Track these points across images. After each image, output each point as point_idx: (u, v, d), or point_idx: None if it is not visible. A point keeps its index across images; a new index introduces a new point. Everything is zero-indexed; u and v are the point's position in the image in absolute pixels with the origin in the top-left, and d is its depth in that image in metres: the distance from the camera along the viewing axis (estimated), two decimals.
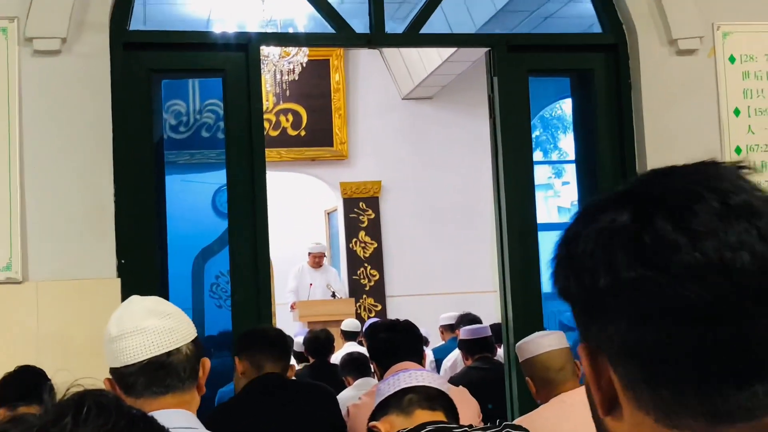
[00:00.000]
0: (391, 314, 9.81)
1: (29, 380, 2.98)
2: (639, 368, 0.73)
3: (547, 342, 2.95)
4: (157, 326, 1.92)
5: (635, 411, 0.75)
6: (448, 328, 7.34)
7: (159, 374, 1.91)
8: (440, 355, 6.84)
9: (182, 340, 1.94)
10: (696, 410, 0.72)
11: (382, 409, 2.31)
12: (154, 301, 1.99)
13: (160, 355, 1.91)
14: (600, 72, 4.31)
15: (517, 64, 4.24)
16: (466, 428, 2.19)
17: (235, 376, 3.33)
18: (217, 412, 3.36)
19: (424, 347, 4.14)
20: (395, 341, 3.41)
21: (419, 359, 3.39)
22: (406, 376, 2.31)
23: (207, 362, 2.01)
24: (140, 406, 1.59)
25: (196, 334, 1.99)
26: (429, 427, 2.18)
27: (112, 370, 1.94)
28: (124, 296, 3.44)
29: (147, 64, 3.90)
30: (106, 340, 1.95)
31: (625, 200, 0.76)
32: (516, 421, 2.76)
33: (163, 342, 1.91)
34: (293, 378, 3.51)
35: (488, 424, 2.28)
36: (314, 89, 10.27)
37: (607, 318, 0.74)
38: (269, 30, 7.20)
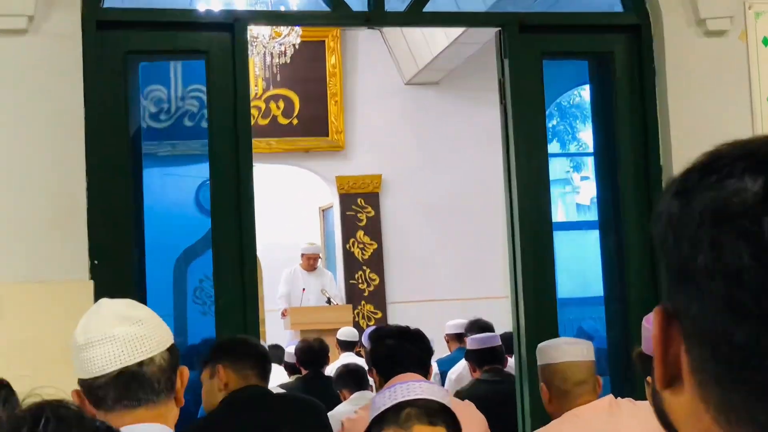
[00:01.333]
0: (393, 322, 9.81)
1: None
2: (716, 362, 0.72)
3: (572, 351, 2.96)
4: (128, 333, 1.92)
5: (696, 399, 0.74)
6: (455, 338, 7.33)
7: (131, 386, 1.91)
8: (445, 366, 6.85)
9: (156, 349, 1.94)
10: (763, 423, 0.70)
11: (377, 425, 2.31)
12: (125, 305, 1.99)
13: (131, 366, 1.91)
14: (621, 55, 4.31)
15: (530, 46, 4.24)
16: None
17: (208, 388, 3.31)
18: (195, 427, 3.36)
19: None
20: (403, 349, 3.42)
21: (425, 373, 3.40)
22: (404, 388, 2.32)
23: (185, 371, 2.02)
24: (112, 421, 1.59)
25: (172, 341, 1.99)
26: None
27: (81, 382, 1.95)
28: (98, 299, 3.44)
29: (123, 46, 3.90)
30: (73, 348, 1.95)
31: (757, 166, 0.72)
32: None
33: (135, 351, 1.92)
34: (281, 391, 3.51)
35: None
36: (308, 74, 10.27)
37: (697, 296, 0.72)
38: (258, 8, 7.20)
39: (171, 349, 1.98)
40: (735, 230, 0.70)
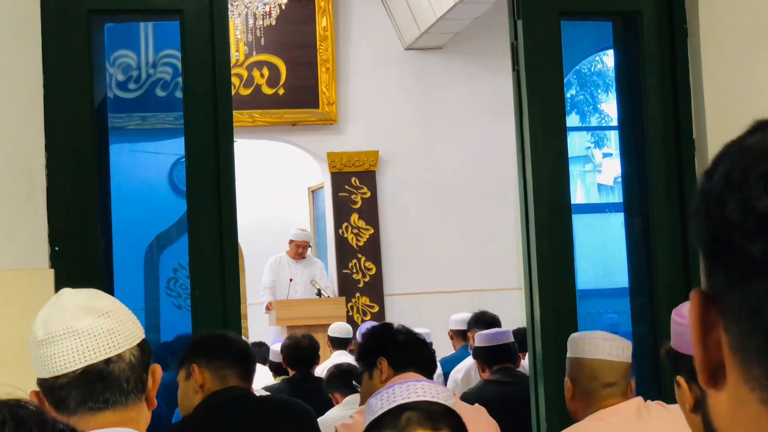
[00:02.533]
0: (390, 316, 9.84)
1: None
2: (762, 333, 0.75)
3: (607, 348, 2.97)
4: (93, 327, 1.91)
5: (739, 384, 0.77)
6: (460, 335, 7.35)
7: (96, 387, 1.91)
8: (449, 366, 6.86)
9: (125, 344, 1.94)
10: None
11: (374, 430, 2.32)
12: (89, 296, 1.99)
13: (97, 363, 1.90)
14: (649, 15, 4.30)
15: (546, 5, 4.23)
16: None
17: (184, 390, 3.33)
18: (172, 430, 3.37)
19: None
20: (414, 345, 3.49)
21: (431, 377, 3.46)
22: (403, 388, 2.32)
23: (158, 369, 2.02)
24: (75, 425, 1.59)
25: (143, 337, 1.99)
26: None
27: (40, 382, 1.94)
28: (59, 290, 3.44)
29: (86, 4, 3.89)
30: (31, 344, 1.94)
31: None
32: None
33: (101, 347, 1.91)
34: (265, 394, 3.53)
35: None
36: (296, 38, 10.26)
37: (739, 267, 0.76)
38: None
39: (142, 345, 1.98)
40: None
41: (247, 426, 3.30)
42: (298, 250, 10.06)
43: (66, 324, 1.91)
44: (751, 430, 0.77)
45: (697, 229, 0.81)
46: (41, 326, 1.93)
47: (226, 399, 3.31)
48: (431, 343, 4.02)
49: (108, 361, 1.91)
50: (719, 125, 4.14)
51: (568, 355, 3.04)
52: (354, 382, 5.21)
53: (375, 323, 7.71)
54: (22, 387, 1.42)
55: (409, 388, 2.33)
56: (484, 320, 6.73)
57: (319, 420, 4.03)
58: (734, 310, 0.77)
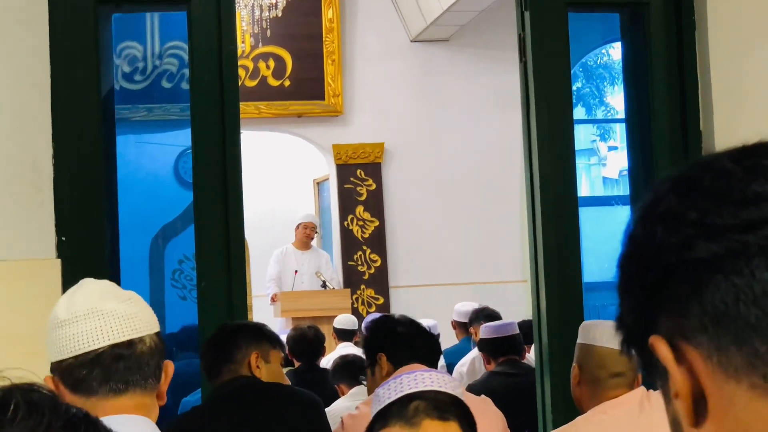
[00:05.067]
0: (395, 308, 9.84)
1: None
2: (732, 323, 0.80)
3: (618, 337, 2.97)
4: (117, 310, 1.93)
5: (723, 386, 0.81)
6: (461, 326, 7.36)
7: (117, 367, 1.92)
8: (452, 358, 6.87)
9: (146, 329, 1.96)
10: None
11: (381, 420, 2.32)
12: (111, 284, 2.02)
13: (120, 344, 1.92)
14: (657, 7, 4.29)
15: None
16: None
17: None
18: (179, 421, 3.38)
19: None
20: (416, 337, 3.49)
21: (434, 366, 3.45)
22: (411, 378, 2.32)
23: (170, 365, 2.03)
24: (91, 408, 1.60)
25: (159, 328, 2.01)
26: None
27: (56, 364, 1.95)
28: (65, 280, 3.46)
29: None
30: (50, 326, 1.95)
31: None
32: None
33: (125, 328, 1.93)
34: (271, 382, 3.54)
35: None
36: (302, 29, 10.26)
37: (689, 279, 0.82)
38: None
39: (159, 335, 2.00)
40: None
41: (257, 415, 3.31)
42: (306, 232, 10.04)
43: (90, 305, 1.93)
44: (745, 424, 0.80)
45: (629, 282, 0.89)
46: (64, 308, 1.94)
47: (237, 387, 3.32)
48: (438, 335, 4.00)
49: (130, 343, 1.93)
50: (726, 117, 4.14)
51: (579, 341, 3.04)
52: (361, 376, 5.22)
53: (379, 315, 7.73)
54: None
55: (416, 378, 2.33)
56: (485, 315, 6.74)
57: (326, 411, 4.04)
58: (698, 322, 0.82)
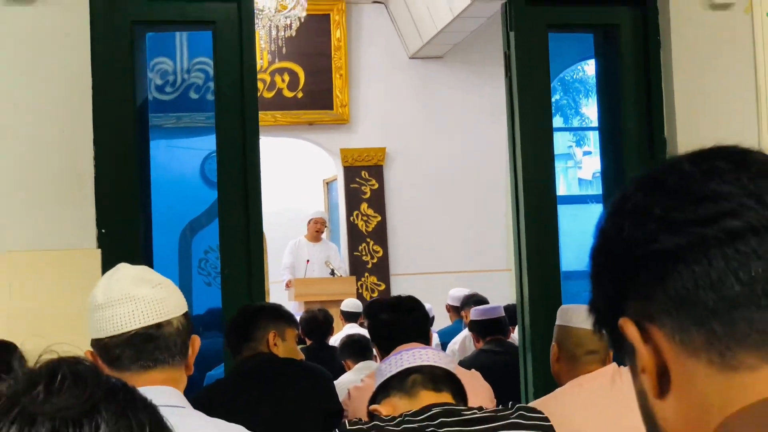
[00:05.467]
0: (396, 294, 9.82)
1: None
2: (692, 307, 0.81)
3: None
4: (148, 295, 1.93)
5: (685, 362, 0.81)
6: (454, 309, 7.36)
7: (148, 347, 1.92)
8: (446, 338, 6.87)
9: (174, 312, 1.96)
10: (748, 341, 0.79)
11: (383, 391, 2.32)
12: (144, 270, 2.01)
13: (150, 326, 1.92)
14: (627, 28, 4.28)
15: (535, 18, 4.22)
16: (476, 410, 2.20)
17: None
18: (205, 392, 3.38)
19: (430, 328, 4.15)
20: (398, 322, 3.39)
21: (425, 341, 3.37)
22: (410, 354, 2.32)
23: (197, 340, 2.03)
24: (125, 381, 1.60)
25: (187, 308, 2.01)
26: (435, 410, 2.19)
27: (95, 342, 1.96)
28: (105, 268, 3.45)
29: (130, 15, 3.88)
30: (90, 308, 1.96)
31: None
32: (532, 404, 2.77)
33: (154, 312, 1.93)
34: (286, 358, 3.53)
35: (500, 407, 2.29)
36: (313, 47, 10.23)
37: (654, 269, 0.83)
38: None
39: (186, 315, 2.00)
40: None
41: (274, 386, 3.31)
42: (317, 226, 10.02)
43: (124, 291, 1.93)
44: (704, 395, 0.80)
45: (601, 271, 0.89)
46: (101, 292, 1.95)
47: (257, 363, 3.32)
48: (433, 317, 3.94)
49: (159, 325, 1.93)
50: (687, 125, 4.14)
51: (557, 323, 3.03)
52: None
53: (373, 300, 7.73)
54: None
55: (414, 354, 2.33)
56: (475, 300, 6.75)
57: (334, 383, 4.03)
58: (662, 306, 0.82)
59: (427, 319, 3.55)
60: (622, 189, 0.89)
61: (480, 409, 2.23)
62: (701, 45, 4.17)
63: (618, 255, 0.86)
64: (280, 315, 3.58)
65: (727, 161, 0.84)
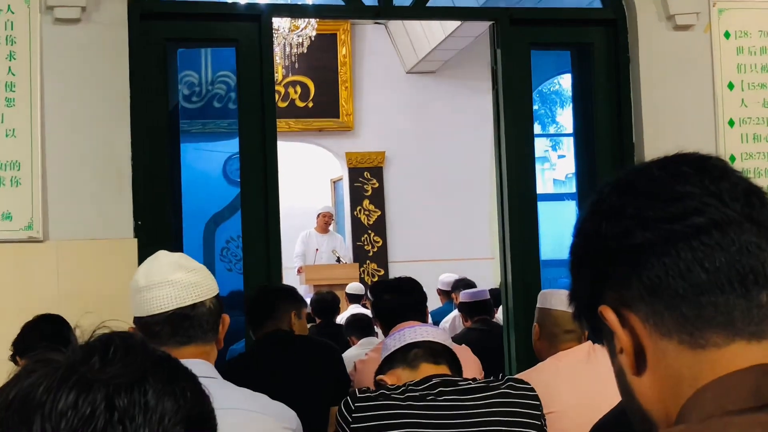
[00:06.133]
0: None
1: (50, 327, 2.98)
2: (664, 294, 0.81)
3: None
4: (184, 279, 1.93)
5: (658, 342, 0.81)
6: (444, 293, 7.35)
7: (183, 324, 1.92)
8: (437, 318, 6.86)
9: (206, 295, 1.95)
10: (714, 322, 0.79)
11: (388, 363, 2.31)
12: (180, 257, 2.01)
13: (186, 307, 1.92)
14: (599, 46, 4.28)
15: (519, 37, 4.21)
16: (470, 381, 2.19)
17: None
18: (232, 363, 3.37)
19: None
20: (399, 302, 3.38)
21: (422, 318, 3.37)
22: (412, 331, 2.31)
23: (227, 318, 2.03)
24: None
25: (218, 291, 2.00)
26: (434, 380, 2.19)
27: (137, 319, 1.96)
28: (141, 256, 3.45)
29: (163, 34, 3.87)
30: (133, 290, 1.96)
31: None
32: (517, 376, 2.77)
33: (189, 294, 1.93)
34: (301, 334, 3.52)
35: (491, 378, 2.28)
36: (322, 62, 10.22)
37: (629, 261, 0.83)
38: (281, 1, 7.17)
39: (217, 297, 2.00)
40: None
41: (290, 358, 3.31)
42: (325, 219, 10.01)
43: (163, 276, 1.92)
44: (676, 371, 0.80)
45: (580, 265, 0.89)
46: (143, 276, 1.95)
47: (276, 338, 3.31)
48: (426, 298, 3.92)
49: (193, 306, 1.93)
50: (653, 131, 4.13)
51: (538, 305, 3.02)
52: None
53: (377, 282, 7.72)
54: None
55: (416, 331, 2.32)
56: (464, 284, 6.74)
57: None
58: (637, 293, 0.82)
59: (424, 300, 3.54)
60: (598, 192, 0.89)
61: (474, 380, 2.22)
62: (665, 61, 4.16)
63: (597, 250, 0.86)
64: (297, 297, 3.58)
65: (690, 166, 0.84)
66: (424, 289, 3.55)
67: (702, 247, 0.80)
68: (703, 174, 0.83)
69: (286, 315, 3.44)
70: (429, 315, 6.86)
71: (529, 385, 2.25)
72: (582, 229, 0.89)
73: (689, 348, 0.80)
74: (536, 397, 2.22)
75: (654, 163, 0.87)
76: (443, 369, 2.26)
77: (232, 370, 3.09)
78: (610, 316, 0.84)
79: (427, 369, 2.25)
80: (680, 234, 0.81)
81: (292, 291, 3.61)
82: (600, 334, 0.89)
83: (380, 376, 2.29)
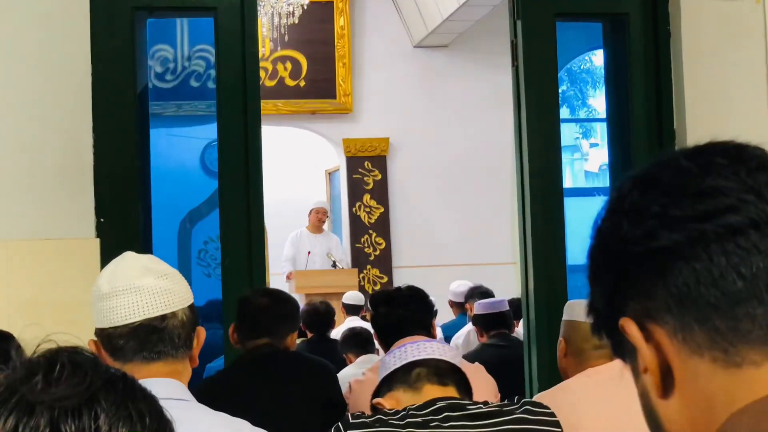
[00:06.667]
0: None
1: None
2: (693, 304, 0.81)
3: None
4: (153, 286, 1.92)
5: (688, 360, 0.81)
6: (457, 305, 7.35)
7: (151, 339, 1.92)
8: (449, 332, 6.87)
9: (179, 304, 1.95)
10: (751, 336, 0.79)
11: (387, 384, 2.31)
12: (150, 259, 2.00)
13: (154, 318, 1.92)
14: (636, 17, 4.27)
15: (543, 7, 4.20)
16: (481, 405, 2.20)
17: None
18: (208, 383, 3.37)
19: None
20: (397, 316, 3.37)
21: (428, 333, 3.36)
22: (414, 347, 2.32)
23: (202, 332, 2.03)
24: (127, 371, 1.60)
25: (192, 300, 2.00)
26: (440, 404, 2.19)
27: (99, 331, 1.95)
28: (103, 258, 3.45)
29: (130, 1, 3.87)
30: (94, 297, 1.95)
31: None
32: (537, 397, 2.77)
33: (159, 304, 1.92)
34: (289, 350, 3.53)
35: (506, 401, 2.28)
36: (316, 35, 10.23)
37: (654, 266, 0.83)
38: None
39: (192, 307, 1.99)
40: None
41: (276, 378, 3.31)
42: (318, 216, 10.02)
43: (129, 281, 1.92)
44: (708, 393, 0.80)
45: (599, 271, 0.89)
46: (106, 281, 1.94)
47: (261, 354, 3.32)
48: (436, 311, 3.91)
49: (163, 317, 1.92)
50: (697, 116, 4.12)
51: (564, 318, 3.03)
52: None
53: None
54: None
55: (419, 347, 2.32)
56: (480, 292, 6.74)
57: None
58: (663, 304, 0.82)
59: (429, 310, 3.53)
60: (618, 187, 0.89)
61: (485, 403, 2.22)
62: (712, 35, 4.16)
63: (616, 254, 0.86)
64: (295, 315, 3.61)
65: (724, 156, 0.84)
66: (434, 299, 3.54)
67: (738, 251, 0.80)
68: (739, 165, 0.83)
69: (289, 333, 3.46)
70: (438, 329, 6.89)
71: (549, 409, 2.25)
72: (600, 231, 0.89)
73: (723, 366, 0.80)
74: (557, 423, 2.23)
75: (682, 154, 0.87)
76: (450, 391, 2.26)
77: (208, 391, 3.10)
78: (632, 330, 0.84)
79: (431, 391, 2.25)
80: (713, 235, 0.80)
81: (293, 309, 3.62)
82: (622, 349, 0.89)
83: (377, 399, 2.30)
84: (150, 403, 0.86)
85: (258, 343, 3.41)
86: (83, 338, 1.90)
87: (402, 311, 3.36)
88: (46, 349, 0.86)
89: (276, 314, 3.48)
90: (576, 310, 2.99)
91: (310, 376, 3.43)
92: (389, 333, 3.25)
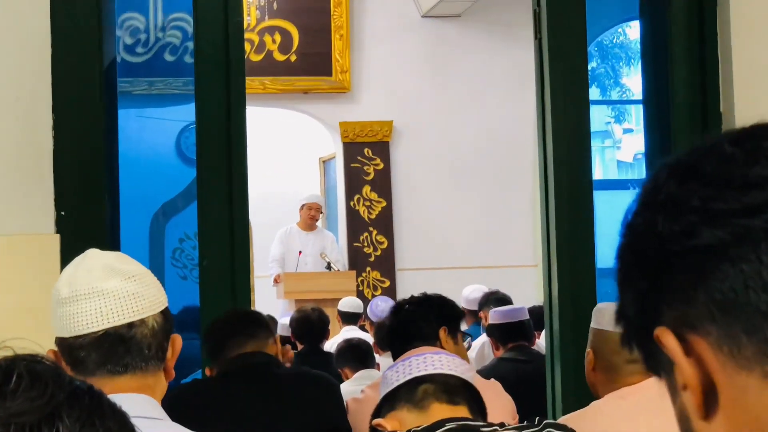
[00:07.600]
0: (402, 292, 9.84)
1: None
2: (742, 312, 0.80)
3: None
4: (118, 289, 1.92)
5: (735, 376, 0.81)
6: (471, 314, 7.36)
7: (117, 350, 1.92)
8: None
9: (149, 310, 1.94)
10: None
11: (389, 403, 2.32)
12: (116, 258, 2.00)
13: (120, 327, 1.91)
14: None
15: None
16: (496, 426, 2.20)
17: None
18: (184, 395, 3.37)
19: None
20: (402, 328, 3.42)
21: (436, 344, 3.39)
22: (420, 361, 2.32)
23: (178, 340, 2.02)
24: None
25: (166, 304, 2.00)
26: (449, 425, 2.20)
27: (59, 341, 1.95)
28: (65, 256, 3.46)
29: None
30: (53, 302, 1.95)
31: None
32: (563, 419, 2.77)
33: (125, 310, 1.92)
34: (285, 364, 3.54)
35: (525, 423, 2.29)
36: (309, 2, 10.25)
37: (695, 268, 0.82)
38: None
39: (165, 313, 1.98)
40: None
41: (267, 399, 3.31)
42: (311, 213, 10.03)
43: (91, 284, 1.91)
44: (759, 414, 0.80)
45: (630, 273, 0.88)
46: (66, 284, 1.94)
47: (249, 364, 3.33)
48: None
49: (131, 325, 1.92)
50: (748, 98, 4.12)
51: (592, 325, 3.02)
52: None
53: (386, 299, 7.72)
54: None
55: (426, 361, 2.33)
56: (496, 299, 6.74)
57: None
58: (705, 311, 0.81)
59: (439, 322, 3.55)
60: (652, 177, 0.89)
61: (501, 425, 2.23)
62: (764, 4, 4.16)
63: (651, 254, 0.85)
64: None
65: None
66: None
67: None
68: None
69: (270, 338, 3.48)
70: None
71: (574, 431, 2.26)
72: (632, 227, 0.89)
73: None
74: None
75: (726, 138, 0.86)
76: (461, 411, 2.27)
77: (183, 407, 3.10)
78: (669, 341, 0.84)
79: (439, 411, 2.26)
80: (762, 232, 0.80)
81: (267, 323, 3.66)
82: (657, 364, 0.89)
83: (378, 420, 2.31)
84: (120, 420, 0.86)
85: (244, 350, 3.42)
86: (44, 345, 1.91)
87: (409, 324, 3.42)
88: (0, 357, 0.86)
89: (249, 317, 3.54)
90: (606, 316, 2.98)
91: (310, 394, 3.42)
92: (393, 345, 3.30)
